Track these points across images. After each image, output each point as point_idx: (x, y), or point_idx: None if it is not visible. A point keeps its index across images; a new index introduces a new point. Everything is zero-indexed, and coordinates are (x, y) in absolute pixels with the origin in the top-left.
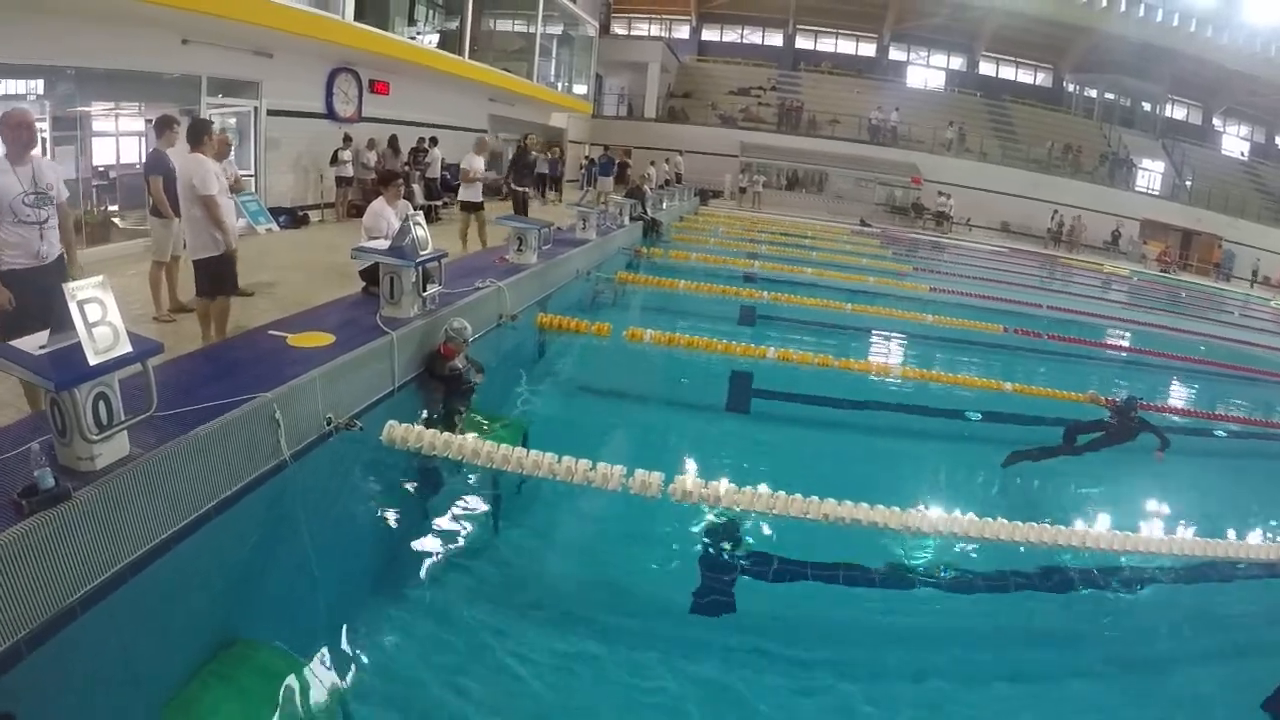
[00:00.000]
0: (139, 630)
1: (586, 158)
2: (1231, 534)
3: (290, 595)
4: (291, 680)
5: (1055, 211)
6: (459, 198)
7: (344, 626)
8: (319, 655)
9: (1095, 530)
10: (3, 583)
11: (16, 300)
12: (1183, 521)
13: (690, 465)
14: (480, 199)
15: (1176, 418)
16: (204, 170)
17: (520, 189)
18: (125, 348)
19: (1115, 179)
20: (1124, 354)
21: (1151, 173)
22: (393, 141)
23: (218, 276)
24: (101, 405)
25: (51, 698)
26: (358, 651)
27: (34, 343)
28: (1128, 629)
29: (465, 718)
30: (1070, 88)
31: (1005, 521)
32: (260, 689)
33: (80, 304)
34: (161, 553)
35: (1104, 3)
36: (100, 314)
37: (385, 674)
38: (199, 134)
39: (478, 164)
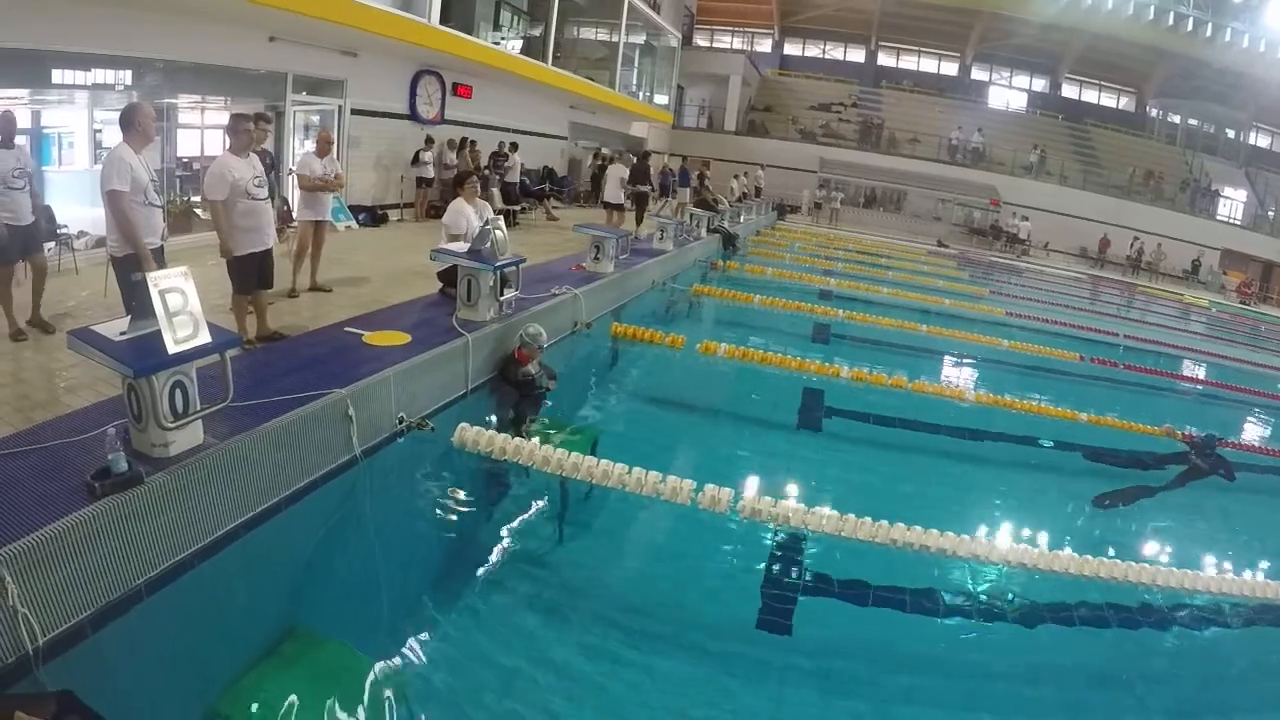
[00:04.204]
0: (203, 616)
1: (666, 168)
2: None
3: (354, 590)
4: (351, 674)
5: (1135, 238)
6: (606, 199)
7: (405, 623)
8: (380, 650)
9: (1166, 568)
10: (71, 562)
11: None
12: (1257, 562)
13: (759, 482)
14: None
15: (1253, 455)
16: (210, 173)
17: (642, 189)
18: (204, 338)
19: (1196, 207)
20: (1200, 387)
21: (1234, 201)
22: (463, 144)
23: (233, 276)
24: (178, 393)
25: (112, 678)
26: (417, 648)
27: (115, 329)
28: (1196, 672)
29: None
30: (1153, 112)
31: (1074, 555)
32: (320, 681)
33: (162, 293)
34: (230, 541)
35: (1190, 27)
36: (181, 303)
37: (443, 672)
38: (226, 130)
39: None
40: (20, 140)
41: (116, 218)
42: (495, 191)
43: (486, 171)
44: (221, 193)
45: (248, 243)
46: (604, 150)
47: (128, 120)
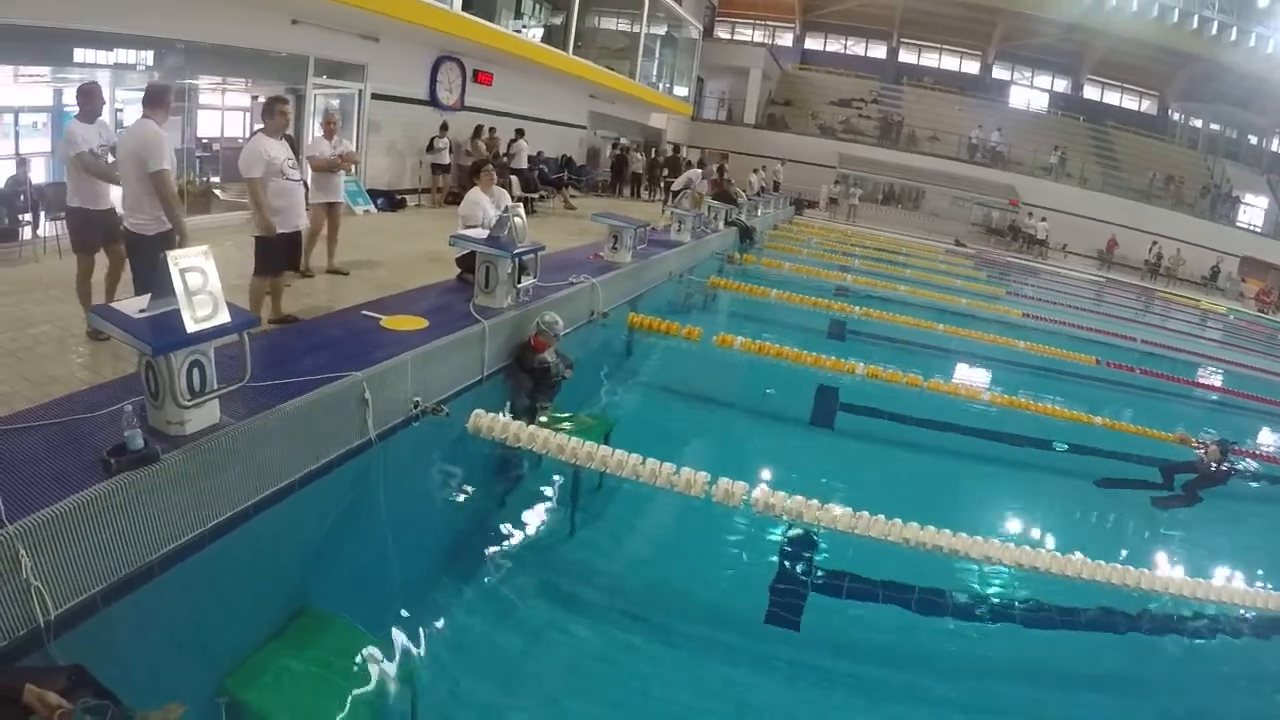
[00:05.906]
0: (215, 593)
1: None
2: None
3: (365, 572)
4: (360, 654)
5: (1154, 243)
6: (675, 188)
7: (415, 606)
8: (389, 631)
9: (1175, 576)
10: (85, 537)
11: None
12: (1267, 573)
13: (770, 477)
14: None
15: (1266, 464)
16: (247, 151)
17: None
18: (224, 318)
19: (1216, 213)
20: (1215, 394)
21: (1255, 208)
22: (478, 131)
23: (261, 256)
24: (196, 372)
25: (123, 652)
26: (427, 631)
27: (135, 306)
28: (1201, 681)
29: (526, 705)
30: (1175, 116)
31: (1085, 559)
32: (329, 660)
33: (182, 272)
34: (243, 520)
35: (1214, 31)
36: (201, 283)
37: (450, 656)
38: (263, 112)
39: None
40: (105, 117)
41: (164, 196)
42: (513, 179)
43: (505, 159)
44: (258, 170)
45: (279, 222)
46: (623, 140)
47: (159, 99)
